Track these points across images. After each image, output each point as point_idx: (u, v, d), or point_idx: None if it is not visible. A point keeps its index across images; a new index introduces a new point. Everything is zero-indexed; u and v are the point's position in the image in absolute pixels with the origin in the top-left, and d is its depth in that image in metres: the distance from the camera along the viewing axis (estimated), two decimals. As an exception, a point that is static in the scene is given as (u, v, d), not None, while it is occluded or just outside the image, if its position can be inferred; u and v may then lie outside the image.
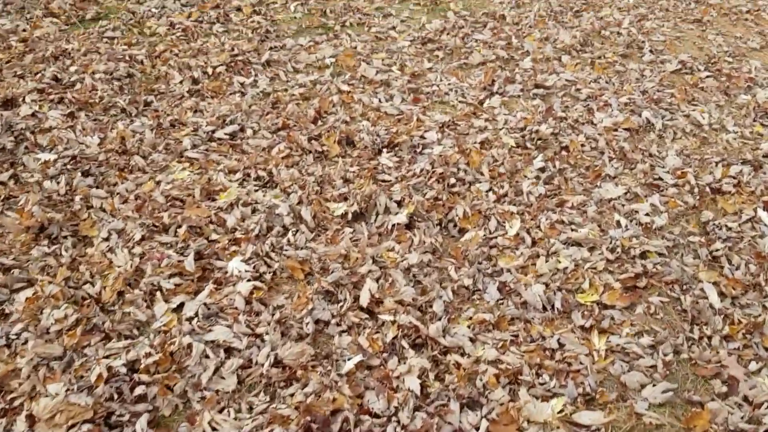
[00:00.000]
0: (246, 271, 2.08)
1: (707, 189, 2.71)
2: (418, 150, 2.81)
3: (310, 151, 2.70)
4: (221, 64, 3.26)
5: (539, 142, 2.93)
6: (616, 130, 3.07)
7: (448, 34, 3.89)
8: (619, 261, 2.31)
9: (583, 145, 2.94)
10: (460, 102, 3.23)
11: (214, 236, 2.22)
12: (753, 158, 2.93)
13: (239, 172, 2.52)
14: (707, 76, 3.70)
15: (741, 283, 2.25)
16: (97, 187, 2.39)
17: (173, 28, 3.59)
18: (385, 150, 2.77)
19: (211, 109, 2.91)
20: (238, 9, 3.92)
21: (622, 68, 3.70)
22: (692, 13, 4.59)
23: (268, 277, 2.09)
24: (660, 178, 2.77)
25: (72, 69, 3.10)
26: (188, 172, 2.51)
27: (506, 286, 2.17)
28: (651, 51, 3.92)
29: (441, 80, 3.40)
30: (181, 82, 3.09)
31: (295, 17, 3.92)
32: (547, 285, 2.18)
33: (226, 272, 2.09)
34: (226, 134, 2.74)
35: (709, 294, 2.20)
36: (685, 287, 2.23)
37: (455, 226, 2.42)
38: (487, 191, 2.59)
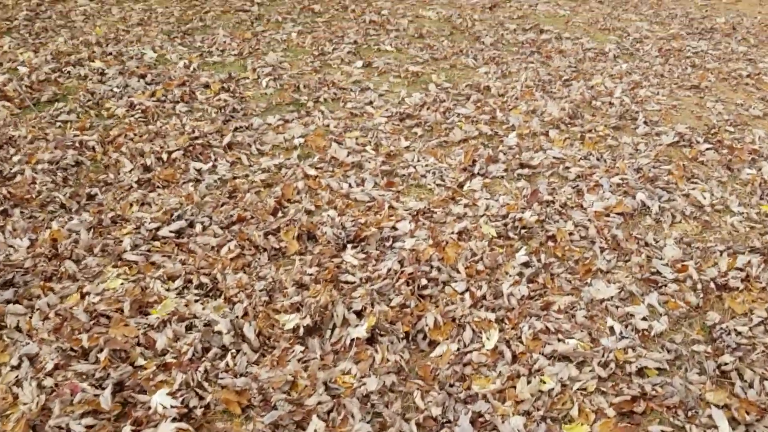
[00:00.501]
0: (172, 406, 1.77)
1: (712, 285, 2.40)
2: (388, 244, 2.52)
3: (265, 249, 2.42)
4: (178, 149, 3.02)
5: (523, 231, 2.64)
6: (608, 215, 2.78)
7: (428, 108, 3.66)
8: (613, 379, 1.99)
9: (571, 234, 2.65)
10: (437, 185, 2.96)
11: (140, 361, 1.92)
12: (762, 245, 2.63)
13: (180, 278, 2.23)
14: (707, 149, 3.43)
15: (755, 405, 1.92)
16: (17, 302, 2.10)
17: (133, 109, 3.37)
18: (350, 245, 2.49)
19: (160, 202, 2.64)
20: (206, 86, 3.71)
21: (614, 142, 3.44)
22: (689, 78, 4.37)
23: (198, 412, 1.78)
24: (658, 272, 2.46)
25: (15, 159, 2.86)
26: (122, 279, 2.22)
27: (481, 417, 1.85)
28: (645, 122, 3.67)
29: (418, 160, 3.15)
30: (131, 171, 2.84)
31: (266, 93, 3.71)
32: (528, 414, 1.86)
33: (149, 408, 1.78)
34: (171, 232, 2.47)
35: (718, 422, 1.87)
36: (690, 413, 1.90)
37: (425, 338, 2.11)
38: (462, 292, 2.29)
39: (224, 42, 4.37)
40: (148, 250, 2.39)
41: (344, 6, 5.30)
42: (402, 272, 2.33)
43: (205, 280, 2.22)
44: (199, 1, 5.13)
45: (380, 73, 4.12)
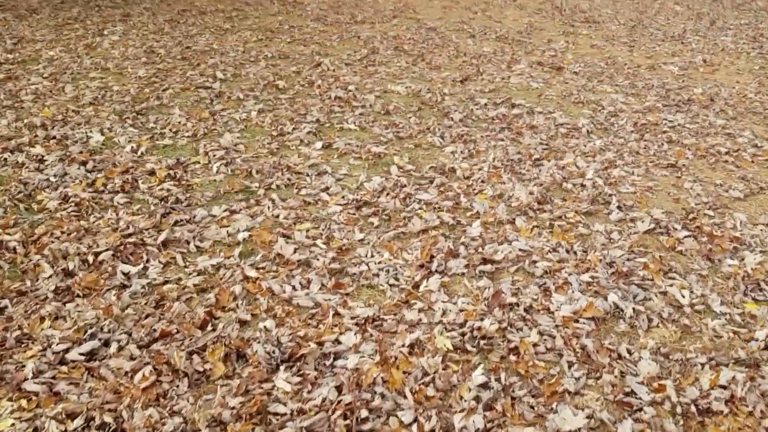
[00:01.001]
0: None
1: (693, 408, 2.12)
2: (328, 363, 2.24)
3: (186, 374, 2.13)
4: (108, 249, 2.75)
5: (482, 342, 2.37)
6: (577, 320, 2.52)
7: (387, 194, 3.43)
8: None
9: (536, 345, 2.37)
10: (391, 286, 2.69)
11: None
12: (747, 355, 2.37)
13: (81, 415, 1.94)
14: (686, 236, 3.20)
15: None
16: None
17: (66, 201, 3.12)
18: (284, 366, 2.20)
19: (76, 316, 2.36)
20: (151, 173, 3.48)
21: (585, 230, 3.21)
22: (666, 155, 4.18)
23: None
24: (633, 392, 2.18)
25: None
26: (14, 419, 1.92)
27: None
28: (619, 206, 3.45)
29: (372, 255, 2.89)
30: (50, 277, 2.57)
31: (215, 180, 3.48)
32: None
33: None
34: (82, 354, 2.18)
35: None
36: None
37: (361, 487, 1.81)
38: (409, 424, 2.00)
39: (179, 122, 4.17)
40: (53, 377, 2.10)
41: (310, 81, 5.14)
42: (339, 402, 2.04)
43: (108, 418, 1.92)
44: (159, 77, 4.95)
45: (340, 154, 3.91)
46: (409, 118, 4.59)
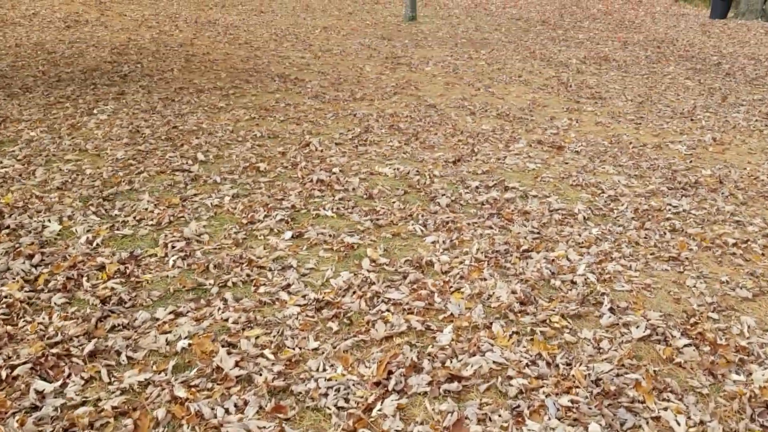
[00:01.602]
0: None
1: None
2: None
3: None
4: (27, 361, 2.47)
5: (434, 487, 2.01)
6: (550, 458, 2.15)
7: (354, 293, 3.13)
8: None
9: (498, 492, 2.00)
10: (339, 409, 2.36)
11: None
12: None
13: None
14: (685, 345, 2.84)
15: None
16: None
17: (-2, 302, 2.87)
18: None
19: (-36, 449, 2.06)
20: (101, 268, 3.23)
21: (572, 338, 2.86)
22: (667, 247, 3.84)
23: None
24: None
25: None
26: None
27: None
28: (612, 309, 3.10)
29: (324, 369, 2.57)
30: (-50, 399, 2.28)
31: (168, 277, 3.21)
32: None
33: None
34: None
35: None
36: None
37: None
38: None
39: (145, 209, 3.95)
40: None
41: (294, 163, 4.94)
42: None
43: None
44: (137, 160, 4.79)
45: (310, 245, 3.64)
46: (393, 203, 4.33)
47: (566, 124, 6.62)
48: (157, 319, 2.85)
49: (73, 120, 5.65)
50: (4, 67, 7.32)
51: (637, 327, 2.96)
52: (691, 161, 5.55)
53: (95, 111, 5.97)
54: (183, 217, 3.90)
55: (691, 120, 6.89)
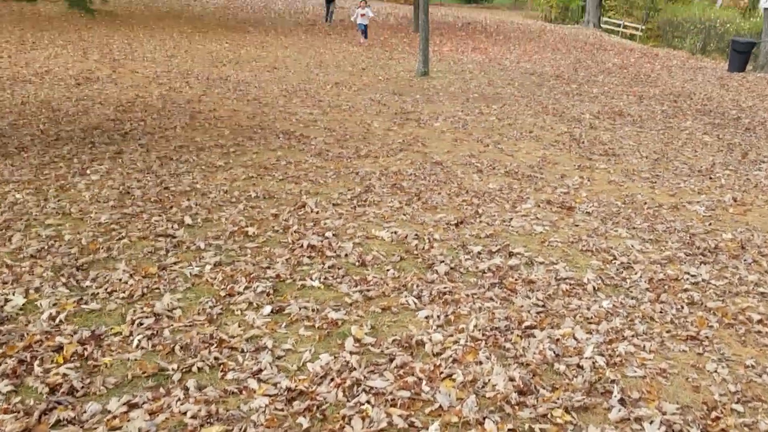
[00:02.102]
0: None
1: None
2: None
3: None
4: (-51, 466, 2.18)
5: None
6: None
7: (331, 380, 2.81)
8: None
9: None
10: None
11: None
12: None
13: None
14: (707, 447, 2.47)
15: None
16: None
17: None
18: None
19: None
20: (58, 349, 2.95)
21: (575, 438, 2.50)
22: (685, 323, 3.49)
23: None
24: None
25: None
26: None
27: None
28: (622, 400, 2.75)
29: (288, 477, 2.24)
30: None
31: (129, 360, 2.92)
32: None
33: None
34: None
35: None
36: None
37: None
38: None
39: (119, 280, 3.70)
40: None
41: (286, 227, 4.69)
42: None
43: None
44: (120, 224, 4.56)
45: (291, 322, 3.34)
46: (387, 270, 4.04)
47: (577, 182, 6.33)
48: (108, 412, 2.55)
49: (63, 181, 5.47)
50: (4, 126, 7.25)
51: (651, 422, 2.60)
52: (710, 224, 5.21)
53: (88, 171, 5.80)
54: (158, 288, 3.64)
55: (710, 178, 6.57)
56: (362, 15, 18.63)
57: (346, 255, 4.24)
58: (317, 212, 5.07)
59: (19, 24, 16.34)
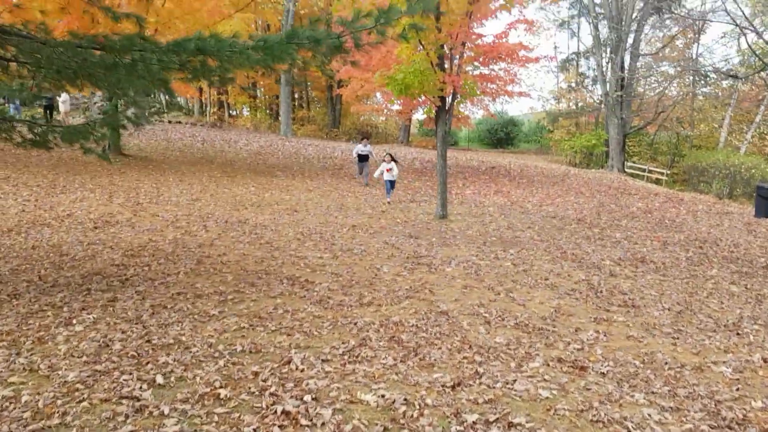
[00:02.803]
0: None
1: None
2: None
3: None
4: None
5: None
6: None
7: None
8: None
9: None
10: None
11: None
12: None
13: None
14: None
15: None
16: None
17: None
18: None
19: None
20: None
21: None
22: None
23: None
24: None
25: None
26: None
27: None
28: None
29: None
30: None
31: None
32: None
33: None
34: None
35: None
36: None
37: None
38: None
39: (63, 452, 3.33)
40: None
41: (263, 388, 4.31)
42: None
43: None
44: (86, 383, 4.25)
45: None
46: (365, 445, 3.59)
47: (593, 337, 5.88)
48: None
49: (44, 332, 5.25)
50: (5, 272, 7.19)
51: None
52: (737, 388, 4.68)
53: (74, 321, 5.59)
54: (103, 463, 3.25)
55: (737, 334, 6.06)
56: (388, 170, 16.11)
57: (323, 424, 3.82)
58: (302, 369, 4.70)
59: (54, 168, 17.04)
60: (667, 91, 34.00)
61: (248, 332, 5.58)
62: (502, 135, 54.90)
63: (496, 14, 21.47)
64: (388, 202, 15.94)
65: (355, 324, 5.97)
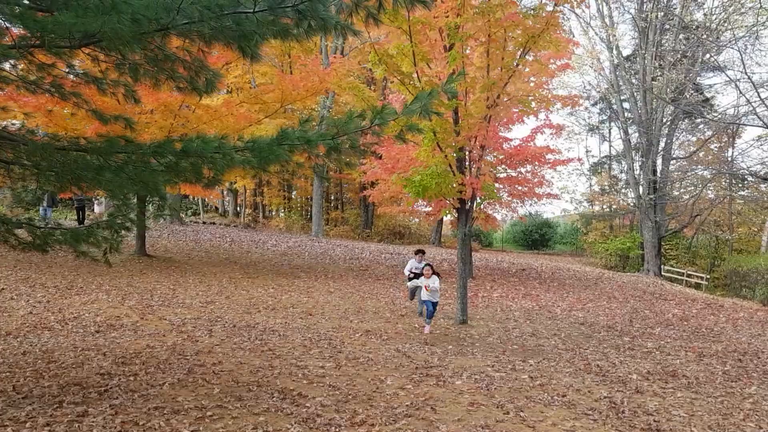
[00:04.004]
0: None
1: None
2: None
3: None
4: None
5: None
6: None
7: None
8: None
9: None
10: None
11: None
12: None
13: None
14: None
15: None
16: None
17: None
18: None
19: None
20: None
21: None
22: None
23: None
24: None
25: None
26: None
27: None
28: None
29: None
30: None
31: None
32: None
33: None
34: None
35: None
36: None
37: None
38: None
39: None
40: None
41: None
42: None
43: None
44: None
45: None
46: None
47: (607, 469, 5.16)
48: None
49: (-8, 452, 4.81)
50: (-20, 380, 6.85)
51: None
52: None
53: (32, 439, 5.14)
54: None
55: (777, 469, 5.26)
56: (427, 288, 11.45)
57: None
58: (262, 506, 4.12)
59: (77, 269, 17.08)
60: (703, 194, 33.35)
61: (216, 456, 5.03)
62: (537, 237, 54.34)
63: (523, 119, 21.61)
64: (428, 331, 11.67)
65: (338, 448, 5.38)
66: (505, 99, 13.29)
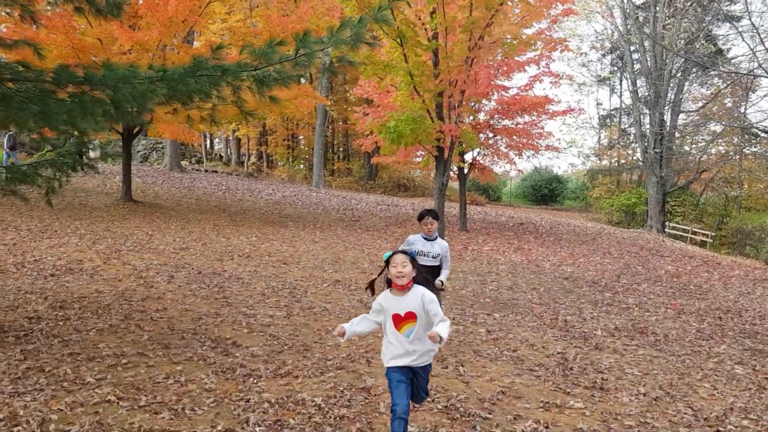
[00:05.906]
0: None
1: None
2: None
3: None
4: None
5: None
6: None
7: None
8: None
9: None
10: None
11: None
12: None
13: None
14: None
15: None
16: None
17: None
18: None
19: None
20: None
21: None
22: None
23: None
24: None
25: None
26: None
27: None
28: None
29: None
30: None
31: None
32: None
33: None
34: None
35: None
36: None
37: None
38: None
39: None
40: None
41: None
42: None
43: None
44: None
45: None
46: None
47: (529, 429, 4.77)
48: None
49: None
50: None
51: None
52: None
53: None
54: None
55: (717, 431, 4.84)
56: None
57: None
58: (126, 463, 3.77)
59: (58, 213, 16.82)
60: (713, 150, 32.34)
61: (107, 408, 4.70)
62: (546, 192, 53.54)
63: (524, 68, 20.72)
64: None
65: (247, 401, 5.02)
66: (491, 41, 12.58)
